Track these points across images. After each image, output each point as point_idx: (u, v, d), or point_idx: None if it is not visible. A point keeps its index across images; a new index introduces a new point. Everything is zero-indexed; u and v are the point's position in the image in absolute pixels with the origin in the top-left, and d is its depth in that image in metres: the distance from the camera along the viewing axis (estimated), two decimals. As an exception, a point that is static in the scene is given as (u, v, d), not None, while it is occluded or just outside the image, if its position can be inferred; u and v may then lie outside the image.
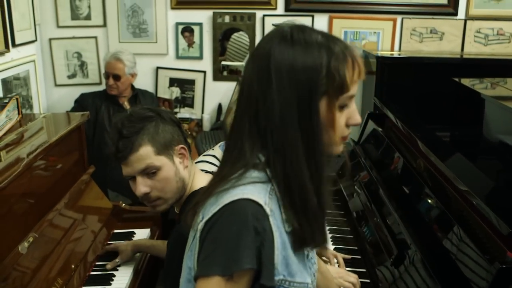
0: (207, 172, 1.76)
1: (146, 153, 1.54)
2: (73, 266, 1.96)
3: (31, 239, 1.76)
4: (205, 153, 2.11)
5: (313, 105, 1.01)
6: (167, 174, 1.56)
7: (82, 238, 2.12)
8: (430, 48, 3.70)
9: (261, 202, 1.00)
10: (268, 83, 1.01)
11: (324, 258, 2.05)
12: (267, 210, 1.00)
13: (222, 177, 1.06)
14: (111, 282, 2.00)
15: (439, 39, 3.70)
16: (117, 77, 3.31)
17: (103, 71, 3.47)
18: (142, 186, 1.55)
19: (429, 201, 1.90)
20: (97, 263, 2.11)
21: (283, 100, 1.01)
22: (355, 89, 1.05)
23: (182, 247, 1.15)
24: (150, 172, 1.55)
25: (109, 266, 2.07)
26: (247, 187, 1.01)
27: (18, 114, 2.35)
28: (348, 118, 1.07)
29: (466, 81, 2.68)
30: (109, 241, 2.28)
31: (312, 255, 1.20)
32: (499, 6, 3.65)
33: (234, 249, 0.97)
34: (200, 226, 1.03)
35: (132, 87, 3.47)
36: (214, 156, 1.97)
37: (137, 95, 3.47)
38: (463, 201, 1.63)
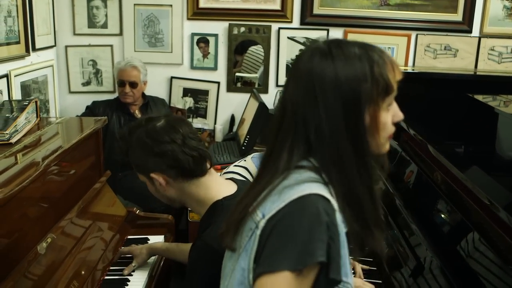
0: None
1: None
2: (88, 269, 1.95)
3: (49, 240, 1.76)
4: (236, 164, 2.11)
5: (358, 115, 1.06)
6: (150, 189, 1.68)
7: (98, 242, 2.12)
8: (443, 64, 3.71)
9: (329, 197, 1.02)
10: (315, 102, 1.06)
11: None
12: (335, 205, 1.02)
13: (275, 173, 1.08)
14: (125, 286, 1.99)
15: (453, 56, 3.71)
16: (134, 85, 3.33)
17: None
18: None
19: (447, 211, 1.89)
20: (111, 268, 2.10)
21: (330, 115, 1.05)
22: (395, 89, 1.10)
23: (206, 257, 1.15)
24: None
25: (126, 271, 2.05)
26: (312, 184, 1.03)
27: (37, 117, 2.37)
28: (393, 116, 1.12)
29: (479, 97, 2.68)
30: (123, 246, 2.27)
31: None
32: (514, 25, 3.67)
33: (307, 242, 0.98)
34: (262, 223, 1.03)
35: (143, 95, 3.49)
36: (246, 168, 1.99)
37: (148, 103, 3.49)
38: (483, 211, 1.62)
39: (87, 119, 2.64)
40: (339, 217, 1.03)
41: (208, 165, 1.63)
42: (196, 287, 1.51)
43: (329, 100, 1.05)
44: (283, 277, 0.97)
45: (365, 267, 2.11)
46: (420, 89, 3.30)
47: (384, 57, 1.08)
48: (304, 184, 1.03)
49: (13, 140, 2.03)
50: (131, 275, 2.06)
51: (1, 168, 1.76)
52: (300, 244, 0.98)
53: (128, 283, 2.01)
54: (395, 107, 1.13)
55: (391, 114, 1.11)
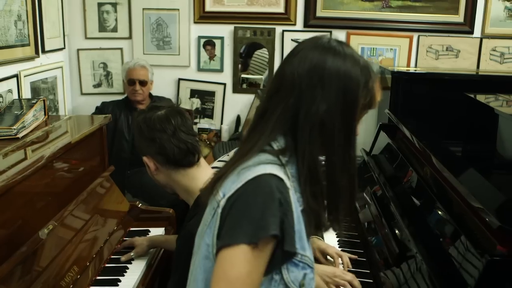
0: None
1: None
2: (89, 256, 2.07)
3: (50, 227, 1.87)
4: (220, 158, 2.20)
5: (354, 112, 1.17)
6: (148, 171, 1.79)
7: (99, 232, 2.23)
8: (445, 65, 3.76)
9: (282, 177, 1.11)
10: (320, 87, 1.15)
11: (328, 257, 2.12)
12: (288, 184, 1.12)
13: (241, 156, 1.18)
14: (124, 274, 2.09)
15: (455, 57, 3.77)
16: (143, 83, 3.47)
17: (122, 79, 3.63)
18: None
19: (431, 205, 1.96)
20: (112, 257, 2.21)
21: (330, 101, 1.14)
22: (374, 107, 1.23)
23: (190, 245, 1.24)
24: None
25: (123, 258, 2.17)
26: (268, 166, 1.12)
27: (45, 115, 2.50)
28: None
29: (480, 97, 2.73)
30: (125, 237, 2.39)
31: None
32: (515, 26, 3.71)
33: (260, 218, 1.06)
34: (222, 202, 1.12)
35: (150, 95, 3.61)
36: None
37: (155, 102, 3.61)
38: (463, 203, 1.69)
39: (92, 117, 2.76)
40: (293, 195, 1.12)
41: (196, 158, 1.74)
42: (182, 274, 1.60)
43: (333, 88, 1.15)
44: (241, 250, 1.06)
45: (353, 256, 2.18)
46: (422, 89, 3.38)
47: (376, 79, 1.21)
48: (260, 166, 1.12)
49: (20, 135, 2.16)
50: (130, 263, 2.17)
51: (6, 159, 1.88)
52: (254, 219, 1.07)
53: (127, 270, 2.12)
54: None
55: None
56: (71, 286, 1.89)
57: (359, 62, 1.18)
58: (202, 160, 1.78)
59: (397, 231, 2.04)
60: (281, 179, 1.11)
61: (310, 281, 1.19)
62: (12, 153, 1.99)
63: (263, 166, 1.12)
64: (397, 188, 2.32)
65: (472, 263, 1.47)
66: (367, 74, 1.18)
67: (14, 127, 2.16)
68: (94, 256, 2.11)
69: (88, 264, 2.04)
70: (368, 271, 2.12)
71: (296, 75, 1.17)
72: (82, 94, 3.91)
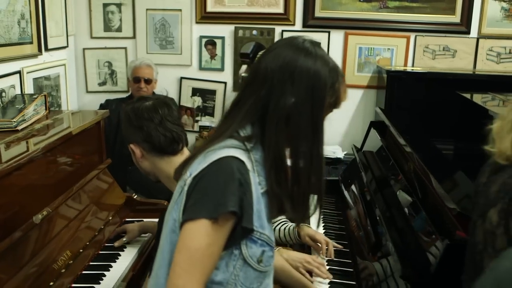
0: None
1: None
2: (83, 243, 2.17)
3: (45, 213, 1.98)
4: None
5: (321, 109, 1.27)
6: (133, 159, 1.89)
7: (94, 220, 2.34)
8: (442, 65, 3.82)
9: (244, 159, 1.22)
10: (290, 83, 1.25)
11: (317, 242, 2.22)
12: (249, 166, 1.22)
13: (211, 141, 1.29)
14: (116, 260, 2.20)
15: (451, 57, 3.82)
16: (148, 81, 3.59)
17: (127, 77, 3.75)
18: None
19: (407, 197, 2.04)
20: (106, 244, 2.31)
21: (300, 96, 1.25)
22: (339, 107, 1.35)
23: None
24: None
25: (116, 243, 2.28)
26: (231, 149, 1.23)
27: (46, 109, 2.61)
28: None
29: (476, 97, 2.79)
30: (120, 227, 2.49)
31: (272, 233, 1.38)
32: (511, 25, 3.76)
33: (221, 195, 1.17)
34: (188, 181, 1.23)
35: (153, 93, 3.71)
36: None
37: (158, 101, 3.71)
38: (437, 195, 1.76)
39: (90, 112, 2.87)
40: (253, 177, 1.23)
41: (180, 147, 1.84)
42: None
43: (302, 84, 1.25)
44: (202, 223, 1.17)
45: (338, 246, 2.27)
46: (416, 88, 3.45)
47: (343, 80, 1.32)
48: (225, 149, 1.23)
49: (19, 127, 2.27)
50: (123, 251, 2.27)
51: (4, 148, 2.00)
52: (215, 196, 1.17)
53: (119, 257, 2.22)
54: None
55: None
56: (63, 270, 1.99)
57: (329, 64, 1.28)
58: (185, 149, 1.87)
59: (376, 222, 2.12)
60: (242, 162, 1.21)
61: (269, 258, 1.29)
62: (11, 144, 2.11)
63: (227, 149, 1.23)
64: (380, 182, 2.40)
65: (436, 247, 1.55)
66: (335, 76, 1.28)
67: (14, 120, 2.27)
68: (88, 243, 2.21)
69: (81, 250, 2.15)
70: (350, 261, 2.21)
71: (269, 69, 1.28)
72: (87, 92, 4.03)
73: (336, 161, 3.61)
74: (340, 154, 3.69)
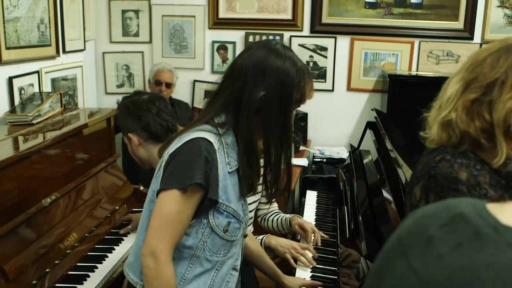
0: None
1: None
2: (89, 228, 2.37)
3: (53, 197, 2.18)
4: None
5: (290, 104, 1.47)
6: (129, 150, 2.08)
7: (101, 208, 2.54)
8: (446, 70, 3.92)
9: (212, 140, 1.41)
10: (261, 78, 1.44)
11: (305, 230, 2.37)
12: (216, 146, 1.41)
13: (190, 126, 1.49)
14: (119, 244, 2.39)
15: (455, 62, 3.93)
16: (169, 85, 3.80)
17: (148, 79, 3.96)
18: None
19: (385, 192, 2.18)
20: (112, 231, 2.51)
21: (270, 91, 1.43)
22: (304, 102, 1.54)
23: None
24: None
25: (122, 231, 2.47)
26: (203, 132, 1.43)
27: (61, 106, 2.84)
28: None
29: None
30: (127, 216, 2.68)
31: (246, 210, 1.58)
32: (515, 32, 3.84)
33: (189, 169, 1.37)
34: (165, 157, 1.44)
35: (170, 98, 3.91)
36: None
37: (173, 104, 3.91)
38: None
39: (102, 109, 3.09)
40: (221, 156, 1.41)
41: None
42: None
43: (272, 80, 1.44)
44: (173, 193, 1.37)
45: (325, 236, 2.42)
46: (417, 91, 3.56)
47: (309, 80, 1.52)
48: (197, 132, 1.43)
49: (34, 121, 2.50)
50: (126, 236, 2.46)
51: (19, 138, 2.22)
52: (184, 170, 1.37)
53: (122, 241, 2.41)
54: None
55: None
56: (69, 250, 2.19)
57: (297, 64, 1.47)
58: None
59: (358, 214, 2.26)
60: (210, 142, 1.41)
61: (235, 229, 1.47)
62: (25, 135, 2.33)
63: (200, 132, 1.42)
64: (367, 178, 2.55)
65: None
66: (301, 76, 1.47)
67: (30, 114, 2.50)
68: (94, 228, 2.41)
69: (87, 235, 2.35)
70: (335, 250, 2.35)
71: (244, 66, 1.47)
72: (106, 93, 4.27)
73: (340, 161, 3.75)
74: (344, 155, 3.83)
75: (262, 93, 1.43)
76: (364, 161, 2.85)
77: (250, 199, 2.31)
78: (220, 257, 1.49)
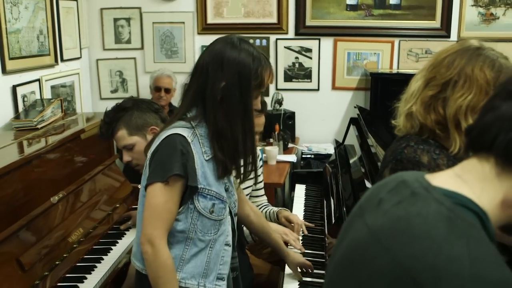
0: None
1: (121, 135, 2.20)
2: (93, 223, 2.54)
3: (61, 195, 2.35)
4: None
5: (250, 91, 1.62)
6: (141, 149, 2.10)
7: (103, 206, 2.71)
8: (425, 66, 4.12)
9: (185, 135, 1.59)
10: (220, 70, 1.60)
11: (291, 222, 2.56)
12: (189, 139, 1.59)
13: (167, 124, 1.67)
14: (122, 237, 2.56)
15: (433, 59, 4.13)
16: (168, 91, 3.97)
17: (141, 86, 4.14)
18: (125, 157, 2.23)
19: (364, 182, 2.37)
20: (114, 226, 2.68)
21: (228, 83, 1.60)
22: (265, 87, 1.69)
23: None
24: (128, 148, 2.19)
25: (122, 227, 2.64)
26: (178, 128, 1.61)
27: (62, 112, 3.01)
28: (255, 105, 1.68)
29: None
30: (127, 213, 2.85)
31: (233, 191, 1.77)
32: (489, 29, 4.06)
33: (168, 163, 1.55)
34: (149, 155, 1.63)
35: (169, 103, 4.06)
36: None
37: (173, 111, 4.07)
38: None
39: (100, 114, 3.25)
40: (195, 147, 1.59)
41: None
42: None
43: (230, 71, 1.60)
44: (157, 186, 1.56)
45: (310, 224, 2.61)
46: (395, 88, 3.76)
47: (267, 66, 1.67)
48: (172, 129, 1.61)
49: (39, 126, 2.67)
50: (128, 231, 2.63)
51: (26, 142, 2.39)
52: (164, 165, 1.56)
53: (124, 235, 2.58)
54: (258, 99, 1.70)
55: (254, 102, 1.67)
56: (76, 245, 2.36)
57: (252, 54, 1.63)
58: None
59: (343, 206, 2.45)
60: (183, 136, 1.58)
61: (220, 209, 1.67)
62: (32, 139, 2.50)
63: (174, 129, 1.61)
64: (351, 171, 2.74)
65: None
66: (258, 63, 1.62)
67: (35, 120, 2.67)
68: (97, 224, 2.58)
69: (91, 230, 2.52)
70: (323, 236, 2.54)
71: (205, 62, 1.64)
72: (101, 99, 4.44)
73: (327, 156, 3.94)
74: (331, 150, 4.01)
75: (223, 83, 1.59)
76: (348, 156, 3.04)
77: (242, 185, 2.51)
78: (212, 236, 1.67)
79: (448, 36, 4.09)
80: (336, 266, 0.97)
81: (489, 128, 0.86)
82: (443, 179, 0.88)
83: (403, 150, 1.41)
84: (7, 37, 2.78)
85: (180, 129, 1.61)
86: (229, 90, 1.59)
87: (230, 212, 1.77)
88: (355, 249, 0.90)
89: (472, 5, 4.05)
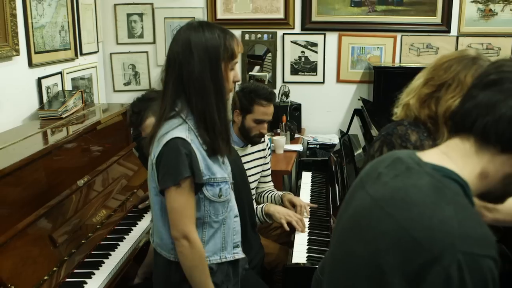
0: None
1: (150, 123, 2.31)
2: (115, 206, 2.73)
3: (85, 179, 2.55)
4: None
5: (218, 66, 1.70)
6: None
7: (123, 190, 2.90)
8: (426, 60, 4.27)
9: (184, 136, 1.69)
10: (190, 55, 1.67)
11: (294, 205, 2.74)
12: (189, 140, 1.70)
13: (158, 122, 1.76)
14: (141, 219, 2.74)
15: (434, 53, 4.30)
16: None
17: (153, 79, 4.30)
18: None
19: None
20: (133, 209, 2.87)
21: (200, 65, 1.68)
22: (238, 57, 1.78)
23: None
24: None
25: (140, 206, 2.83)
26: (175, 131, 1.70)
27: (82, 103, 3.20)
28: (234, 76, 1.78)
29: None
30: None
31: (226, 162, 1.88)
32: (488, 24, 4.21)
33: (176, 168, 1.67)
34: (154, 160, 1.73)
35: None
36: None
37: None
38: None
39: (117, 105, 3.45)
40: (194, 144, 1.69)
41: None
42: None
43: (200, 55, 1.67)
44: (172, 190, 1.68)
45: (313, 205, 2.80)
46: (398, 81, 3.93)
47: (234, 37, 1.75)
48: (170, 132, 1.68)
49: (63, 116, 2.86)
50: (146, 213, 2.82)
51: (54, 131, 2.58)
52: (173, 170, 1.67)
53: (142, 218, 2.77)
54: (236, 71, 1.79)
55: (233, 74, 1.77)
56: (99, 226, 2.55)
57: (215, 31, 1.71)
58: None
59: (347, 191, 2.64)
60: (183, 139, 1.68)
61: (226, 189, 1.81)
62: (58, 127, 2.69)
63: (172, 132, 1.69)
64: (355, 160, 2.92)
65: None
66: (222, 36, 1.70)
67: (60, 110, 2.86)
68: (118, 207, 2.77)
69: (112, 213, 2.71)
70: (328, 218, 2.73)
71: (175, 52, 1.71)
72: (114, 91, 4.62)
73: (331, 146, 4.12)
74: (335, 140, 4.19)
75: (195, 67, 1.65)
76: (352, 145, 3.22)
77: (251, 178, 2.69)
78: (224, 215, 1.82)
79: (448, 31, 4.25)
80: (343, 229, 1.16)
81: (470, 113, 1.04)
82: (432, 156, 1.07)
83: (395, 127, 1.61)
84: (33, 33, 2.96)
85: (177, 130, 1.68)
86: (201, 72, 1.65)
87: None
88: (360, 214, 1.09)
89: (472, 1, 4.20)
